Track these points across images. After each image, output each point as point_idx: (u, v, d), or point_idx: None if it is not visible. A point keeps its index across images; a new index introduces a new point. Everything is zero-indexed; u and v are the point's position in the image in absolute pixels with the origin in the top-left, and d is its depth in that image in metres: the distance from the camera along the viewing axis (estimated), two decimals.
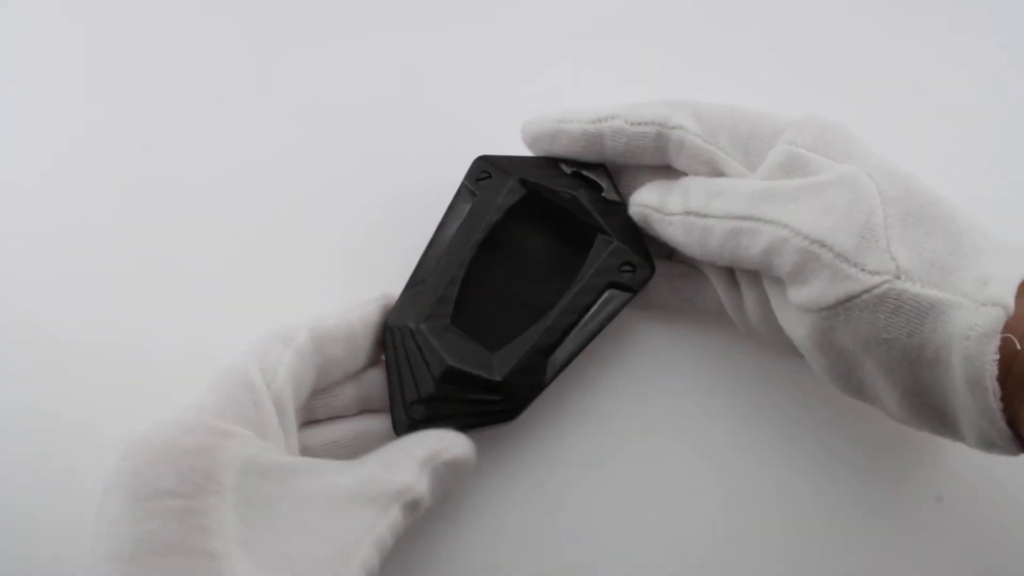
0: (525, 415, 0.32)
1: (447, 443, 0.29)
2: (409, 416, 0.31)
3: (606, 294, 0.32)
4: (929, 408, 0.27)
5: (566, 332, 0.32)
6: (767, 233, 0.28)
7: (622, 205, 0.34)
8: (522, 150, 0.35)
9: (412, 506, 0.28)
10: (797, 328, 0.29)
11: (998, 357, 0.24)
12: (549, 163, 0.34)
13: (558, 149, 0.33)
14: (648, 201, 0.32)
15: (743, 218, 0.29)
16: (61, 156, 0.39)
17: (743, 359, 0.35)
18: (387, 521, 0.27)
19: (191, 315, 0.37)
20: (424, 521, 0.31)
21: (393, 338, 0.32)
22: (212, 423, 0.25)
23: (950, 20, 0.40)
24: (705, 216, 0.30)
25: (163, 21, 0.41)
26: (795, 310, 0.29)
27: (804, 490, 0.34)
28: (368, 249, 0.37)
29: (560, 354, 0.32)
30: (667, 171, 0.33)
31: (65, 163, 0.39)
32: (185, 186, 0.39)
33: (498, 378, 0.31)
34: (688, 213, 0.31)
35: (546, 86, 0.39)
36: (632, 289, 0.33)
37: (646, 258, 0.33)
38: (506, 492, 0.34)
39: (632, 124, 0.32)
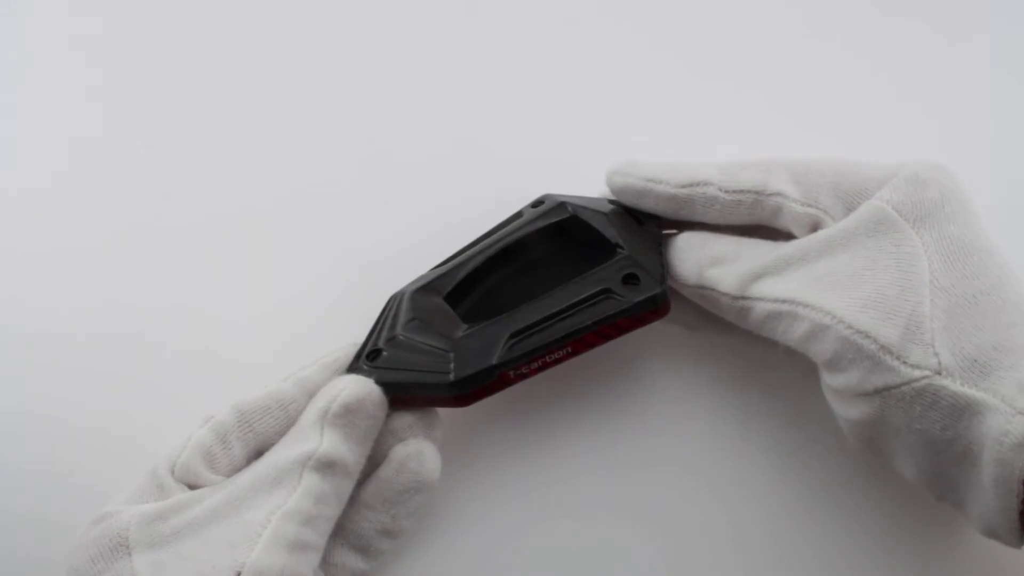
0: (537, 422, 0.32)
1: (336, 390, 0.29)
2: (362, 365, 0.31)
3: (599, 298, 0.30)
4: (944, 488, 0.27)
5: (544, 320, 0.30)
6: (808, 319, 0.28)
7: (653, 232, 0.33)
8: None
9: (324, 466, 0.28)
10: (829, 395, 0.29)
11: None
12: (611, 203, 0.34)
13: (645, 206, 0.33)
14: (686, 276, 0.31)
15: (783, 301, 0.29)
16: (61, 156, 0.39)
17: (763, 373, 0.35)
18: (298, 492, 0.27)
19: (192, 314, 0.37)
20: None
21: (387, 303, 0.33)
22: (109, 509, 0.28)
23: (940, 21, 0.40)
24: (744, 299, 0.30)
25: (167, 19, 0.41)
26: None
27: (803, 489, 0.34)
28: (370, 250, 0.37)
29: (529, 340, 0.30)
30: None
31: (65, 163, 0.39)
32: (186, 185, 0.39)
33: (456, 336, 0.30)
34: (724, 295, 0.30)
35: (552, 89, 0.40)
36: (628, 300, 0.30)
37: (659, 280, 0.30)
38: (495, 497, 0.34)
39: (727, 192, 0.31)
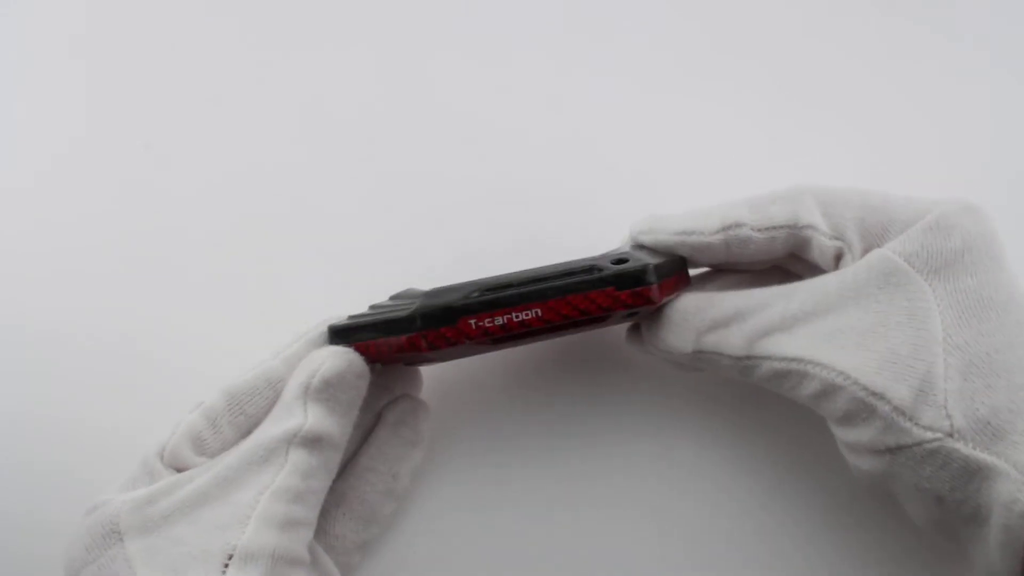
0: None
1: (315, 365, 0.29)
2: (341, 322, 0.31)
3: (582, 273, 0.29)
4: (949, 538, 0.28)
5: (520, 283, 0.29)
6: (819, 378, 0.27)
7: (674, 257, 0.31)
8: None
9: (310, 442, 0.28)
10: (840, 445, 0.29)
11: None
12: None
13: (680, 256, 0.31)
14: (681, 346, 0.30)
15: (792, 359, 0.28)
16: (61, 156, 0.39)
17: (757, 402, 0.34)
18: (285, 469, 0.27)
19: (193, 314, 0.37)
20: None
21: None
22: (100, 499, 0.28)
23: (940, 22, 0.40)
24: (749, 358, 0.29)
25: (167, 19, 0.41)
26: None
27: (805, 496, 0.34)
28: (373, 251, 0.37)
29: (497, 295, 0.29)
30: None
31: (65, 163, 0.39)
32: (186, 185, 0.39)
33: (428, 291, 0.30)
34: (728, 357, 0.29)
35: (552, 89, 0.40)
36: (608, 273, 0.29)
37: (650, 264, 0.29)
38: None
39: (760, 231, 0.30)
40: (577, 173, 0.38)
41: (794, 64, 0.39)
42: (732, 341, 0.29)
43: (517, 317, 0.28)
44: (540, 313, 0.28)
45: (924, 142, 0.38)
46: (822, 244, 0.29)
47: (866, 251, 0.29)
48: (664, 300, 0.29)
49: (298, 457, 0.28)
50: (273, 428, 0.28)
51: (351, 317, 0.31)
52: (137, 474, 0.29)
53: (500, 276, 0.30)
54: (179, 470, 0.29)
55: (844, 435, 0.28)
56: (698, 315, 0.30)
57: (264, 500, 0.27)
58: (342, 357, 0.29)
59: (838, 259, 0.29)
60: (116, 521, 0.27)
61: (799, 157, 0.38)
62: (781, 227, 0.30)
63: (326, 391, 0.28)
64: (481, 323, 0.28)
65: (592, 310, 0.28)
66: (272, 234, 0.38)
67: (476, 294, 0.29)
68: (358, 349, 0.29)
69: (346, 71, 0.40)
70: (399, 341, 0.29)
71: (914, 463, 0.26)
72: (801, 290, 0.29)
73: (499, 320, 0.28)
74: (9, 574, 0.34)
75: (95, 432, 0.35)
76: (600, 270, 0.29)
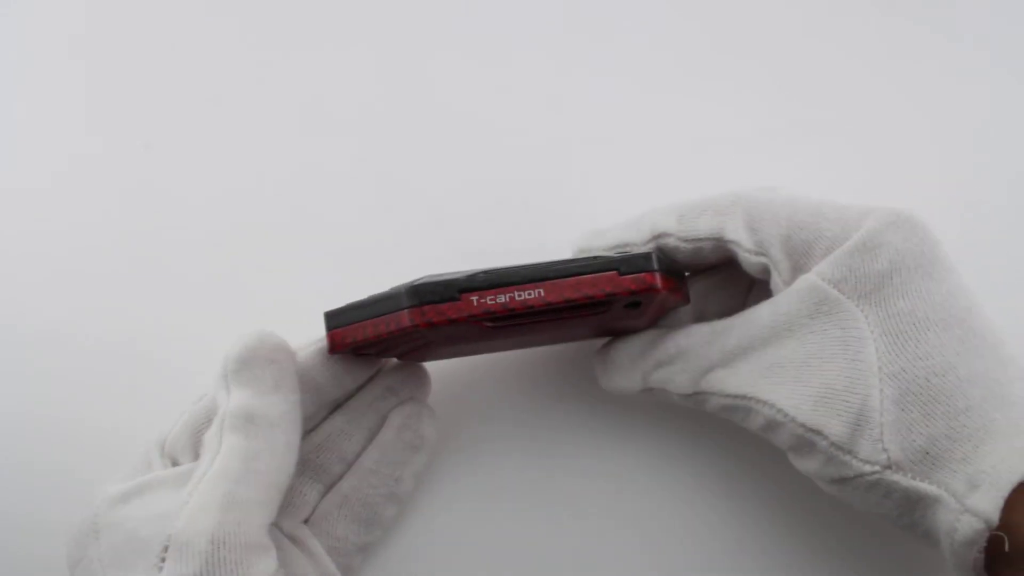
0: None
1: (227, 348, 0.28)
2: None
3: (587, 260, 0.29)
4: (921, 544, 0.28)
5: (523, 266, 0.29)
6: (762, 415, 0.28)
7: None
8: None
9: (242, 422, 0.27)
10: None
11: (983, 554, 0.24)
12: None
13: None
14: (630, 386, 0.31)
15: (736, 396, 0.29)
16: (61, 156, 0.39)
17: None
18: (220, 453, 0.27)
19: (193, 314, 0.37)
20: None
21: None
22: (93, 495, 0.29)
23: (940, 22, 0.40)
24: (697, 394, 0.30)
25: (167, 19, 0.41)
26: None
27: (805, 501, 0.34)
28: (373, 252, 0.37)
29: (500, 273, 0.28)
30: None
31: (65, 163, 0.39)
32: (187, 185, 0.39)
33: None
34: (676, 395, 0.30)
35: (552, 89, 0.40)
36: (612, 256, 0.29)
37: (657, 258, 0.29)
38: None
39: (686, 241, 0.31)
40: (577, 173, 0.38)
41: (794, 64, 0.39)
42: (678, 380, 0.30)
43: (520, 296, 0.28)
44: (543, 293, 0.28)
45: (924, 142, 0.38)
46: (747, 259, 0.30)
47: (793, 268, 0.29)
48: (666, 292, 0.29)
49: (232, 440, 0.27)
50: (215, 419, 0.28)
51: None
52: (137, 464, 0.30)
53: (502, 266, 0.29)
54: (175, 462, 0.29)
55: (796, 464, 0.29)
56: (642, 356, 0.31)
57: (201, 485, 0.26)
58: (252, 335, 0.28)
59: (765, 272, 0.30)
60: (95, 519, 0.28)
61: (799, 157, 0.38)
62: (706, 239, 0.30)
63: (243, 371, 0.28)
64: (483, 300, 0.28)
65: (595, 294, 0.28)
66: (272, 234, 0.38)
67: (481, 275, 0.28)
68: (354, 330, 0.29)
69: (346, 71, 0.40)
70: (399, 318, 0.28)
71: (861, 492, 0.27)
72: (737, 325, 0.29)
73: (502, 298, 0.28)
74: (9, 574, 0.34)
75: (95, 432, 0.35)
76: (604, 258, 0.29)
